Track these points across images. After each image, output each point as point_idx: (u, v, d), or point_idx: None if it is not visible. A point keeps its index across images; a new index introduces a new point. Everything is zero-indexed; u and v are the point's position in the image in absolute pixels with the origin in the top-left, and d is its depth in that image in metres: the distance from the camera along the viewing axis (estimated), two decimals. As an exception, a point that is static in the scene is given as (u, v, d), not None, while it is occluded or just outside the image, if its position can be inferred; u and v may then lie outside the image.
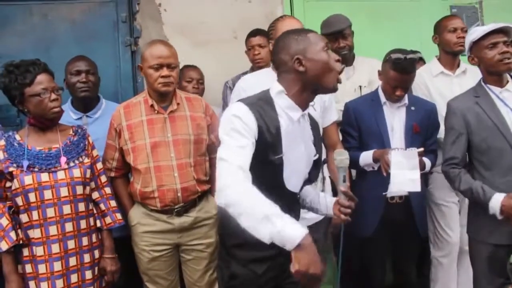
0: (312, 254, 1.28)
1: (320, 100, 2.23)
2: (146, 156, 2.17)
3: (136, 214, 2.25)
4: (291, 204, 1.62)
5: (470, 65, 2.68)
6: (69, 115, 2.47)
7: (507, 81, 2.20)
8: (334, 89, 1.57)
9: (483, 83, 2.22)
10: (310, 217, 2.05)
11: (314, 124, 1.76)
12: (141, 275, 2.29)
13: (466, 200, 2.62)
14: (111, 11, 3.01)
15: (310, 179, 1.73)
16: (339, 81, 1.57)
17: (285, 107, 1.56)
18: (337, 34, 2.72)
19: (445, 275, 2.76)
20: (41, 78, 1.97)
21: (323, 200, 1.77)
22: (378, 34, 2.96)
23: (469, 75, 2.74)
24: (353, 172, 2.55)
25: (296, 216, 1.67)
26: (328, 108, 2.29)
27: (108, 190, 2.19)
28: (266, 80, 2.19)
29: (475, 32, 2.19)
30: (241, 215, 1.35)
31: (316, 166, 1.73)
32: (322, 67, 1.53)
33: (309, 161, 1.69)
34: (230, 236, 1.65)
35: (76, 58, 2.55)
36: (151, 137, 2.18)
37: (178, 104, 2.25)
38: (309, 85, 1.56)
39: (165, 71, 2.15)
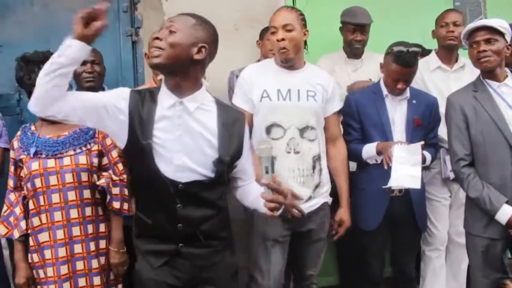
0: None
1: (322, 90, 2.21)
2: None
3: None
4: (169, 193, 1.56)
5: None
6: None
7: (506, 76, 2.20)
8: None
9: (481, 78, 2.22)
10: (305, 206, 2.03)
11: (230, 122, 1.64)
12: None
13: (459, 195, 2.65)
14: (112, 1, 2.99)
15: (217, 179, 1.60)
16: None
17: (162, 94, 1.62)
18: (358, 27, 2.74)
19: (433, 270, 2.78)
20: None
21: (258, 196, 1.59)
22: (382, 27, 2.95)
23: (467, 70, 2.73)
24: (354, 164, 2.53)
25: (176, 202, 1.57)
26: (330, 99, 2.27)
27: (124, 177, 2.10)
28: (268, 70, 2.20)
29: (464, 30, 2.22)
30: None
31: (219, 165, 1.59)
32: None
33: (201, 156, 1.58)
34: (135, 226, 1.73)
35: None
36: None
37: None
38: None
39: None
